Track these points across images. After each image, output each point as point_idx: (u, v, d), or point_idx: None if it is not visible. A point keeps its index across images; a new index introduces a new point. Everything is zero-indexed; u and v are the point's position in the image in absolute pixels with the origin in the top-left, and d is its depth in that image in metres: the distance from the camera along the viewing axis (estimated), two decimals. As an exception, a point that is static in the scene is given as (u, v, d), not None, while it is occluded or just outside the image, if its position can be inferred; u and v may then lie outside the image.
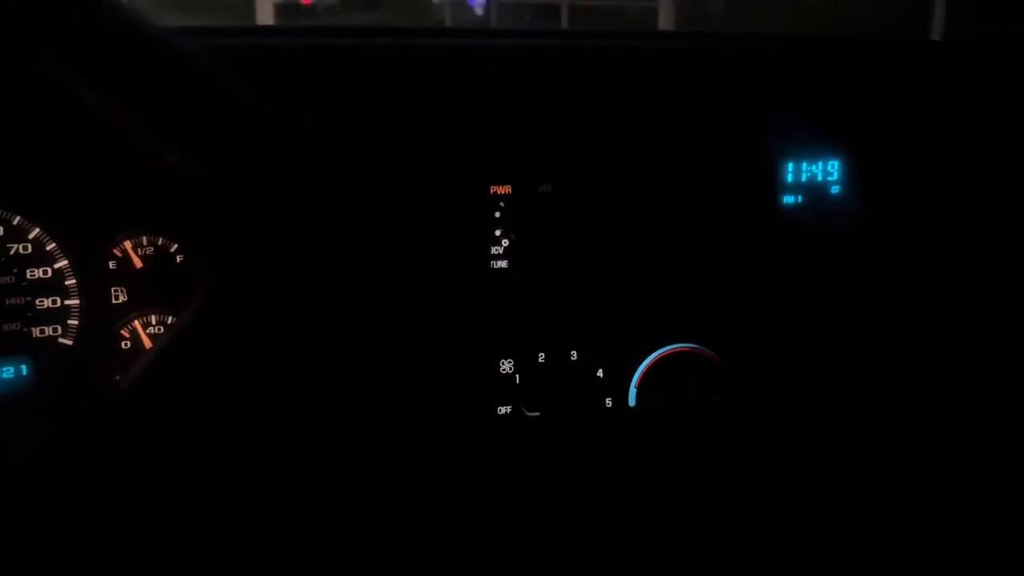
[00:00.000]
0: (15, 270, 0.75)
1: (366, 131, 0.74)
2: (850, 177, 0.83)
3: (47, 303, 0.76)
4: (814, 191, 0.83)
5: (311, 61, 0.75)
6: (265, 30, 0.79)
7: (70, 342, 0.77)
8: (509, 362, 0.80)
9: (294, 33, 0.80)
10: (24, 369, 0.76)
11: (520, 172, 0.78)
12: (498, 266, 0.79)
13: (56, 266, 0.76)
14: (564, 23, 5.93)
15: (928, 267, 0.87)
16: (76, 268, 0.77)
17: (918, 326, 0.87)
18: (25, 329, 0.76)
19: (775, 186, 0.82)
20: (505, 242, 0.78)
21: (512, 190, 0.77)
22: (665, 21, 5.22)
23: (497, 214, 0.78)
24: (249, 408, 0.74)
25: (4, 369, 0.75)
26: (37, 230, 0.76)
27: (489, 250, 0.78)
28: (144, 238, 0.78)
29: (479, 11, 6.86)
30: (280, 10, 4.32)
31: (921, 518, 0.87)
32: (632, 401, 0.82)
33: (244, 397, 0.71)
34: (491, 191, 0.77)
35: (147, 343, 0.79)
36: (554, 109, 0.78)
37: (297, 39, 0.80)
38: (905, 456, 0.85)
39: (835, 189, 0.83)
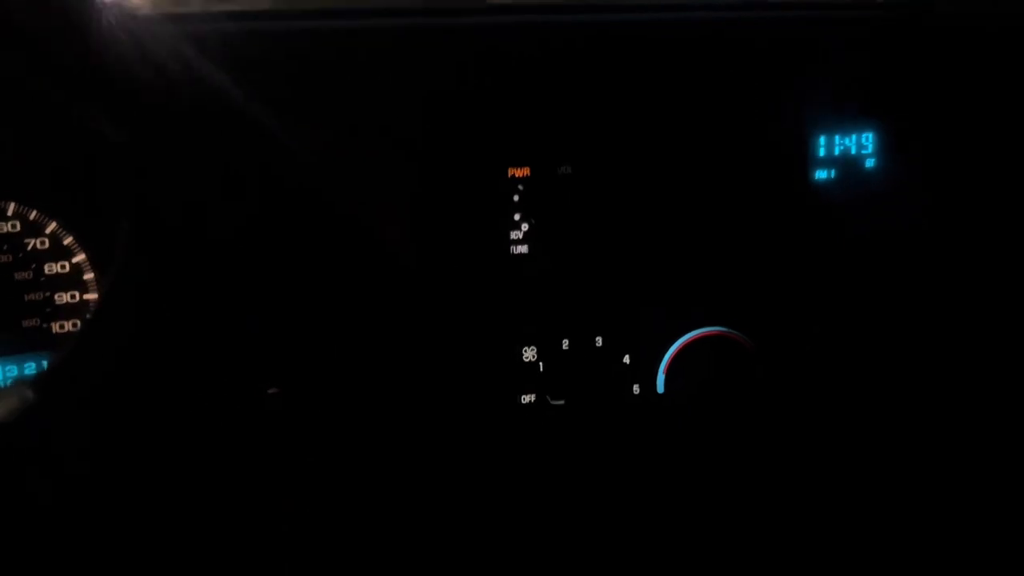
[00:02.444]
0: (33, 265, 0.75)
1: (380, 114, 0.72)
2: (885, 150, 0.80)
3: (66, 298, 0.76)
4: (847, 165, 0.79)
5: (327, 43, 0.74)
6: (268, 15, 0.77)
7: (90, 337, 0.77)
8: (532, 349, 0.78)
9: (300, 17, 0.79)
10: (45, 365, 0.76)
11: (539, 153, 0.75)
12: (518, 251, 0.77)
13: (74, 260, 0.76)
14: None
15: (971, 245, 0.83)
16: (94, 262, 0.76)
17: (961, 308, 0.83)
18: (45, 325, 0.75)
19: (806, 161, 0.79)
20: (525, 226, 0.76)
21: (531, 172, 0.75)
22: None
23: (516, 197, 0.76)
24: (269, 400, 0.73)
25: (26, 365, 0.75)
26: (54, 224, 0.75)
27: (508, 235, 0.76)
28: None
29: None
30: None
31: (959, 513, 0.84)
32: (660, 387, 0.80)
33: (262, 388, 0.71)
34: (509, 174, 0.75)
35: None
36: (573, 86, 0.75)
37: (310, 22, 0.78)
38: (941, 447, 0.82)
39: (870, 163, 0.80)
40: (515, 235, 0.76)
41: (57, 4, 0.44)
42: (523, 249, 0.77)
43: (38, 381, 0.51)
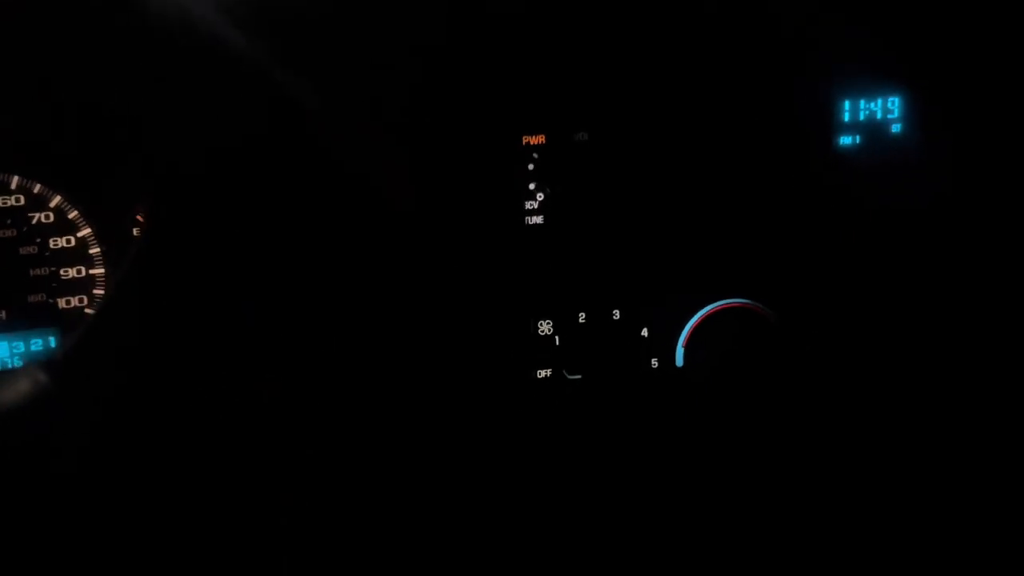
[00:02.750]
0: (38, 240, 0.74)
1: (392, 82, 0.70)
2: (912, 114, 0.77)
3: (72, 273, 0.75)
4: (873, 131, 0.77)
5: (340, 7, 0.72)
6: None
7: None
8: (548, 323, 0.77)
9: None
10: (52, 341, 0.74)
11: (554, 120, 0.74)
12: (533, 221, 0.75)
13: (80, 234, 0.75)
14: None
15: (1000, 214, 0.80)
16: (100, 236, 0.75)
17: (989, 279, 0.80)
18: (51, 300, 0.74)
19: (830, 126, 0.77)
20: (540, 196, 0.75)
21: (546, 140, 0.74)
22: None
23: (531, 166, 0.74)
24: (280, 381, 0.72)
25: (32, 341, 0.74)
26: (59, 198, 0.74)
27: (523, 205, 0.75)
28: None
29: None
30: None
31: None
32: (679, 361, 0.78)
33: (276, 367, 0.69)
34: (524, 141, 0.73)
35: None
36: (589, 50, 0.73)
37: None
38: (964, 420, 0.80)
39: (896, 128, 0.77)
40: (530, 205, 0.75)
41: None
42: (538, 219, 0.75)
43: (50, 364, 0.50)
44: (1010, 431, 0.82)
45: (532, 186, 0.74)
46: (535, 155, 0.74)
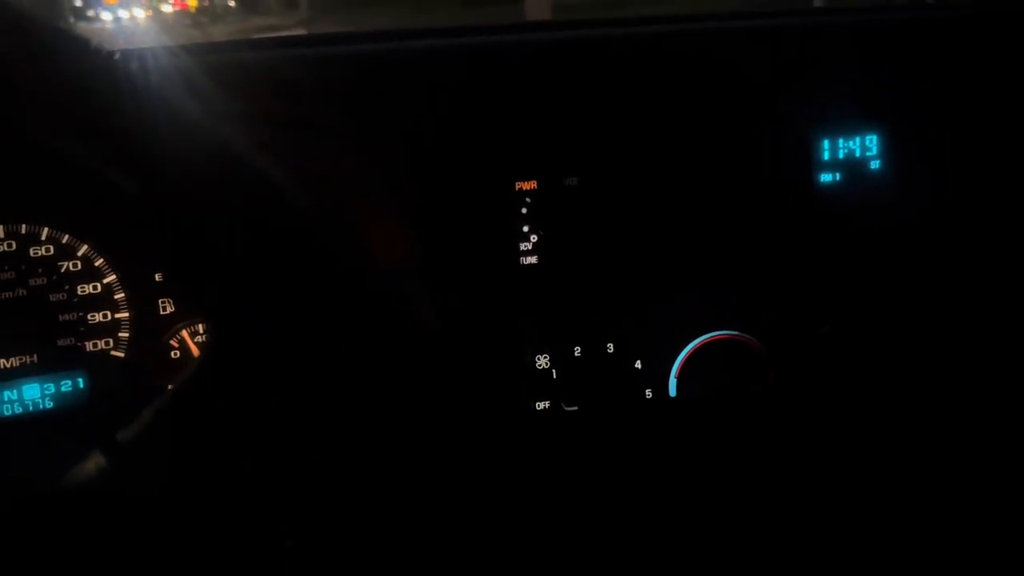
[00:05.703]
0: (67, 287, 0.78)
1: (387, 133, 0.74)
2: (890, 151, 0.80)
3: (98, 317, 0.79)
4: (852, 168, 0.80)
5: (335, 67, 0.76)
6: (265, 43, 0.79)
7: (122, 354, 0.80)
8: (545, 357, 0.80)
9: (319, 43, 0.81)
10: (81, 382, 0.79)
11: (545, 166, 0.77)
12: (528, 262, 0.78)
13: (105, 281, 0.79)
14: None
15: (978, 245, 0.82)
16: (124, 282, 0.80)
17: (969, 307, 0.82)
18: (79, 344, 0.79)
19: (811, 165, 0.79)
20: (534, 238, 0.78)
21: (538, 185, 0.77)
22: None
23: (524, 210, 0.77)
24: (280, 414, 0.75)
25: (62, 383, 0.79)
26: (85, 247, 0.79)
27: (518, 247, 0.78)
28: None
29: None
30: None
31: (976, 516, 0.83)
32: (672, 391, 0.81)
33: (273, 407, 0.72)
34: (516, 187, 0.77)
35: (195, 352, 0.81)
36: (577, 99, 0.76)
37: (329, 48, 0.81)
38: (955, 452, 0.82)
39: (874, 164, 0.80)
40: (524, 247, 0.78)
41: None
42: (533, 260, 0.78)
43: (110, 450, 0.54)
44: (1009, 455, 0.83)
45: (526, 228, 0.78)
46: (528, 200, 0.77)
